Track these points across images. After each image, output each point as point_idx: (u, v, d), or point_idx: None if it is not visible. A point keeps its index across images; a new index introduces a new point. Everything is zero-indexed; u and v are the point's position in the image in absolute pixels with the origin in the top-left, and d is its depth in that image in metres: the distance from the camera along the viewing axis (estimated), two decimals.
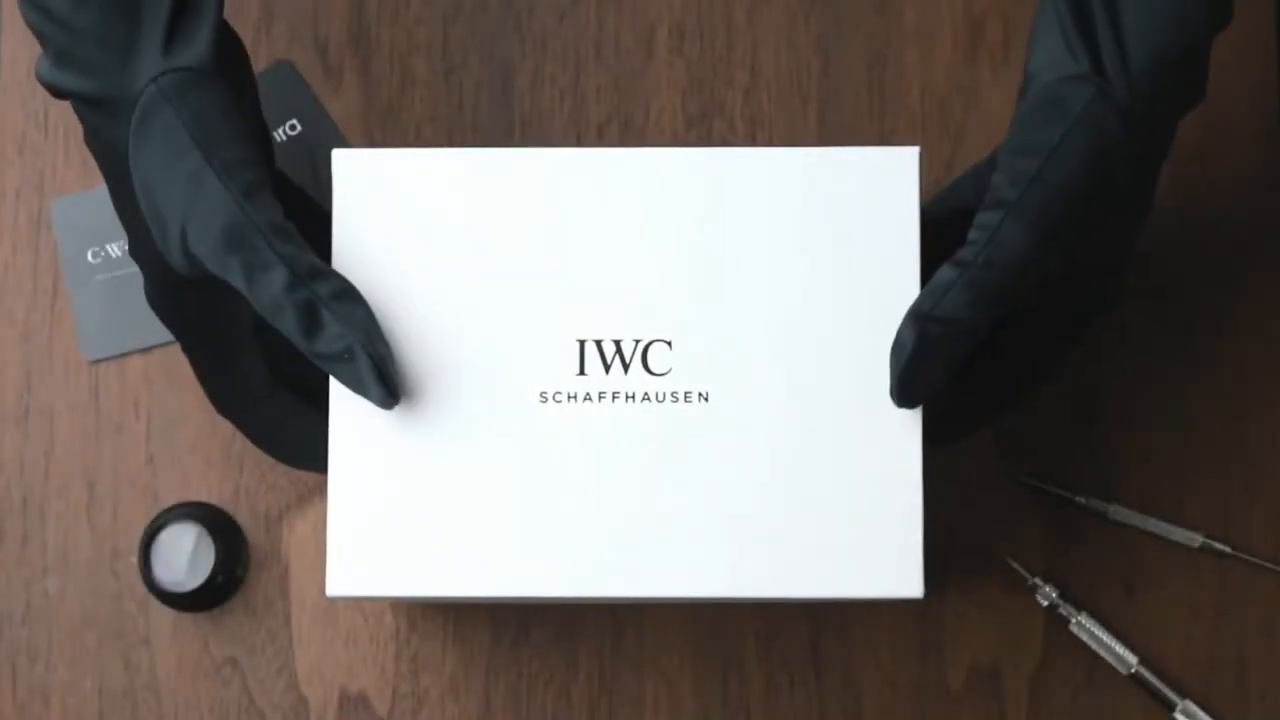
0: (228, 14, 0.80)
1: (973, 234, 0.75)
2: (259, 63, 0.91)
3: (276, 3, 0.94)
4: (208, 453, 0.92)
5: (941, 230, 0.80)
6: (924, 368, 0.75)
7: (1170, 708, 0.89)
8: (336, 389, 0.78)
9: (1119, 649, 0.89)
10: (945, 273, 0.75)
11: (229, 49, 0.80)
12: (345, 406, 0.78)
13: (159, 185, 0.76)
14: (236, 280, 0.75)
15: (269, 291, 0.75)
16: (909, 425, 0.78)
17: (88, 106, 0.79)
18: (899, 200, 0.78)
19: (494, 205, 0.79)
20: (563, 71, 0.94)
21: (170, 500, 0.91)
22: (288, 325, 0.75)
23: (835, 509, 0.77)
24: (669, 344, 0.78)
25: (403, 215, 0.79)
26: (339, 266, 0.78)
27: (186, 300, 0.81)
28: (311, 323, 0.75)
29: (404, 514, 0.78)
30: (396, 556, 0.78)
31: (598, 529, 0.77)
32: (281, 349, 0.78)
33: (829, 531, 0.77)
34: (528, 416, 0.78)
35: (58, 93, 0.79)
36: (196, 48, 0.77)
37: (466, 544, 0.78)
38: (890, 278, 0.78)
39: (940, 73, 0.93)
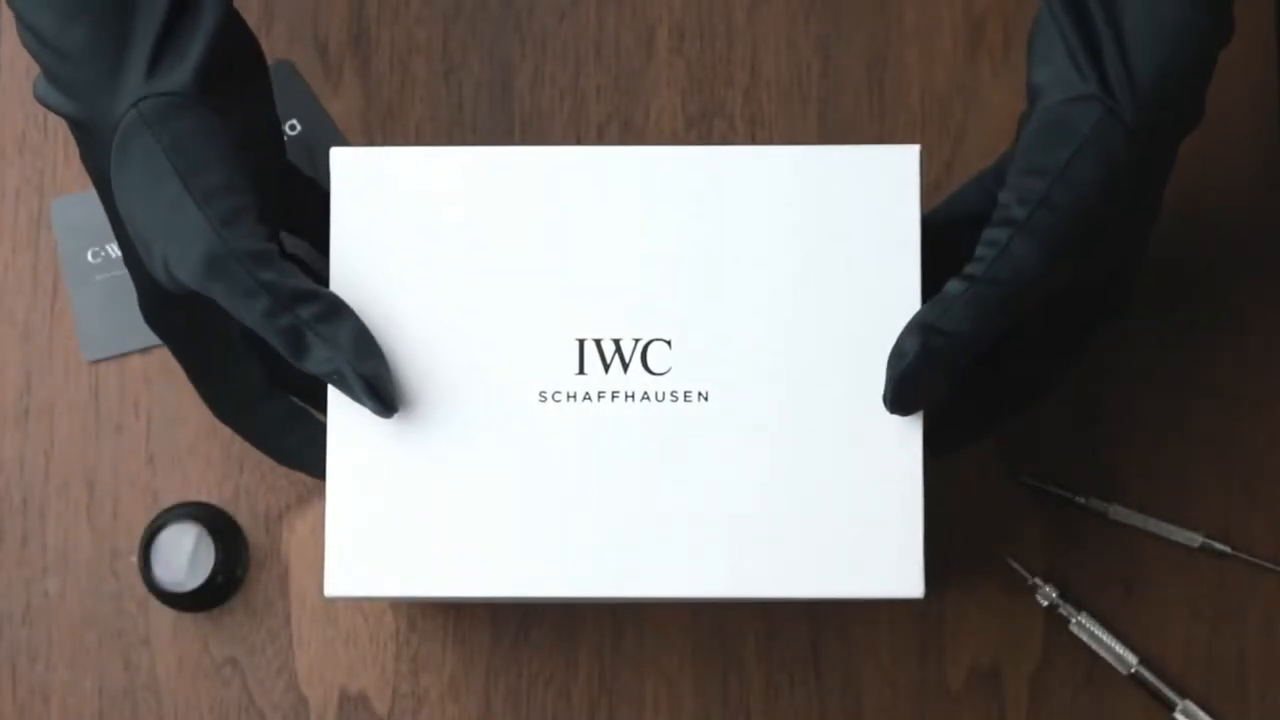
0: None
1: (980, 249, 0.75)
2: None
3: (276, 3, 0.94)
4: (208, 453, 0.92)
5: (945, 236, 0.80)
6: (923, 377, 0.75)
7: (1170, 708, 0.89)
8: (334, 389, 0.78)
9: (1119, 649, 0.89)
10: (953, 285, 0.75)
11: (236, 52, 0.79)
12: (344, 407, 0.78)
13: (139, 210, 0.76)
14: (222, 304, 0.75)
15: (252, 318, 0.75)
16: (910, 425, 0.77)
17: (75, 127, 0.78)
18: (899, 199, 0.78)
19: (494, 204, 0.79)
20: (563, 71, 0.94)
21: (170, 500, 0.91)
22: (276, 347, 0.75)
23: (835, 509, 0.77)
24: (669, 344, 0.78)
25: (402, 214, 0.79)
26: (337, 266, 0.78)
27: (177, 312, 0.81)
28: (298, 346, 0.75)
29: (403, 514, 0.78)
30: (396, 557, 0.77)
31: (598, 529, 0.77)
32: (276, 355, 0.78)
33: (829, 531, 0.77)
34: (527, 416, 0.78)
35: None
36: (182, 70, 0.76)
37: (466, 544, 0.77)
38: (890, 277, 0.78)
39: (940, 73, 0.93)
